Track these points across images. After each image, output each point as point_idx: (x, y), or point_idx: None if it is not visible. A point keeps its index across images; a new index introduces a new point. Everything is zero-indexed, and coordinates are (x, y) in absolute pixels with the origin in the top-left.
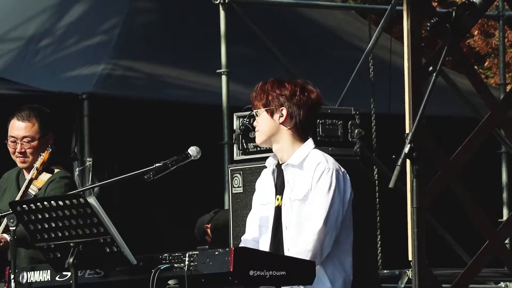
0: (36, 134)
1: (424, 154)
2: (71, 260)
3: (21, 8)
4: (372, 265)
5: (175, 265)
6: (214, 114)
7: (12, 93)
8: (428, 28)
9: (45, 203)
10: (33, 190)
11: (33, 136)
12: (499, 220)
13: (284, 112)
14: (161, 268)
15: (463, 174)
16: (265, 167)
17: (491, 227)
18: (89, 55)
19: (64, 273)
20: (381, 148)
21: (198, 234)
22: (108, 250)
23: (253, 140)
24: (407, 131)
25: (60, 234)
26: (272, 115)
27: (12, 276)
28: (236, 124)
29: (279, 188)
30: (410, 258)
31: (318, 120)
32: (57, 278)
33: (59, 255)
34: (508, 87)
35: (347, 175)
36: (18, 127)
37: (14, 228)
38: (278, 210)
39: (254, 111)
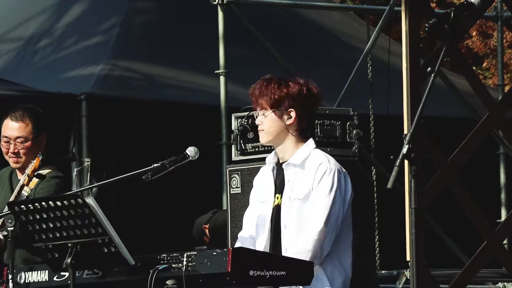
0: (29, 135)
1: (422, 155)
2: (69, 260)
3: (20, 9)
4: (370, 265)
5: (173, 265)
6: (212, 114)
7: (10, 93)
8: (426, 29)
9: (43, 203)
10: (26, 192)
11: (26, 137)
12: (498, 220)
13: (293, 114)
14: (159, 268)
15: (461, 174)
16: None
17: (489, 227)
18: (88, 56)
19: (62, 273)
20: (379, 148)
21: (196, 234)
22: (106, 250)
23: (251, 140)
24: (405, 131)
25: (58, 235)
26: (279, 116)
27: (10, 277)
28: (234, 124)
29: (279, 186)
30: (408, 258)
31: (316, 121)
32: (55, 279)
33: (57, 256)
34: (507, 88)
35: (348, 175)
36: (12, 127)
37: (12, 228)
38: (277, 209)
39: (260, 111)
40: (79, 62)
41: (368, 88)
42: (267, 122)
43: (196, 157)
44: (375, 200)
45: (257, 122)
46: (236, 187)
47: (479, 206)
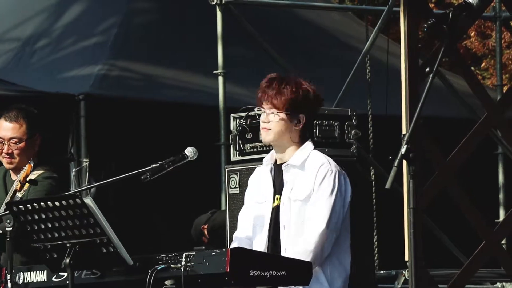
0: (23, 136)
1: (420, 155)
2: (67, 260)
3: (18, 9)
4: (369, 265)
5: (172, 265)
6: (210, 114)
7: (9, 93)
8: (425, 29)
9: (42, 203)
10: (20, 193)
11: (20, 138)
12: (496, 220)
13: (302, 119)
14: (158, 268)
15: (460, 175)
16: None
17: (488, 227)
18: (86, 56)
19: (61, 273)
20: (377, 149)
21: (194, 234)
22: (104, 250)
23: (249, 141)
24: (403, 132)
25: (56, 235)
26: (290, 119)
27: (8, 277)
28: (232, 125)
29: (278, 187)
30: (406, 258)
31: (315, 121)
32: (53, 279)
33: (55, 256)
34: (505, 88)
35: (347, 176)
36: (6, 128)
37: (10, 228)
38: (276, 210)
39: (270, 109)
40: (77, 62)
41: (367, 88)
42: (277, 123)
43: (195, 157)
44: (374, 201)
45: (263, 119)
46: (235, 187)
47: (477, 206)
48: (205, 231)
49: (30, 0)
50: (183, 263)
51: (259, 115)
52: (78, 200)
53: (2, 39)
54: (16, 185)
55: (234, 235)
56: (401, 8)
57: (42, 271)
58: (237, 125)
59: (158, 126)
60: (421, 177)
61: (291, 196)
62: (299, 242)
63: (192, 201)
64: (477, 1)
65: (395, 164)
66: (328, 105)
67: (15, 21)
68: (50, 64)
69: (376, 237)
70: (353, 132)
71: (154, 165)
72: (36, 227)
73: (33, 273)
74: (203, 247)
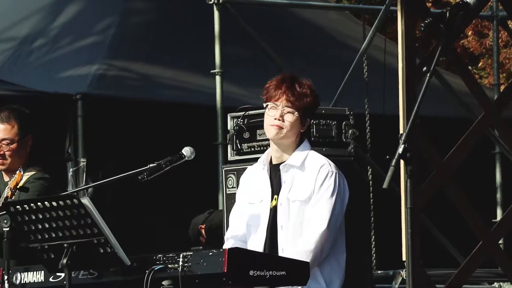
0: (15, 137)
1: (418, 155)
2: (64, 261)
3: (16, 8)
4: (366, 265)
5: (169, 265)
6: (208, 114)
7: (6, 93)
8: (422, 28)
9: (39, 203)
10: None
11: (12, 139)
12: (493, 220)
13: (307, 122)
14: (155, 268)
15: (457, 174)
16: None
17: (485, 227)
18: (83, 56)
19: (58, 274)
20: (375, 148)
21: (192, 234)
22: (102, 250)
23: (247, 140)
24: (401, 131)
25: (53, 235)
26: (300, 121)
27: (5, 277)
28: (230, 124)
29: (276, 187)
30: (404, 258)
31: (312, 121)
32: (50, 279)
33: (52, 256)
34: (502, 88)
35: (344, 177)
36: None
37: (7, 229)
38: (274, 210)
39: (286, 107)
40: (74, 62)
41: (364, 87)
42: (291, 122)
43: (192, 157)
44: (371, 200)
45: (275, 115)
46: (232, 187)
47: (474, 206)
48: (203, 231)
49: None
50: (180, 263)
51: (257, 114)
52: (75, 200)
53: None
54: (7, 192)
55: (227, 235)
56: (398, 7)
57: (39, 272)
58: (234, 125)
59: (155, 126)
60: (419, 176)
61: (290, 197)
62: (299, 243)
63: (190, 201)
64: (474, 0)
65: (393, 164)
66: (325, 105)
67: (12, 21)
68: (47, 63)
69: (373, 236)
70: (350, 131)
71: (151, 165)
72: (33, 227)
73: (30, 274)
74: (201, 247)
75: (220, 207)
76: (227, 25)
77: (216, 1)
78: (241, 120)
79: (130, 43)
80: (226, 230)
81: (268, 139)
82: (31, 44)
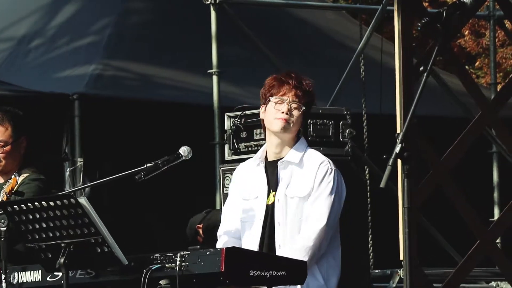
0: (9, 139)
1: (415, 154)
2: (62, 260)
3: (13, 8)
4: (364, 264)
5: (167, 265)
6: (205, 114)
7: (3, 93)
8: (419, 28)
9: (36, 203)
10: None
11: (6, 141)
12: (490, 219)
13: (302, 117)
14: (153, 268)
15: (454, 173)
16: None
17: (483, 226)
18: (81, 56)
19: (55, 273)
20: (372, 148)
21: (189, 234)
22: (99, 250)
23: (244, 140)
24: (398, 131)
25: (51, 235)
26: (303, 115)
27: (3, 277)
28: (227, 124)
29: (273, 184)
30: (401, 257)
31: (309, 120)
32: (48, 279)
33: (50, 256)
34: (499, 87)
35: (341, 175)
36: None
37: (5, 228)
38: (271, 207)
39: (294, 102)
40: (71, 62)
41: (361, 87)
42: (297, 117)
43: (189, 156)
44: (369, 200)
45: (283, 108)
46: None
47: (472, 205)
48: (200, 231)
49: None
50: (178, 262)
51: (254, 114)
52: (72, 200)
53: None
54: (2, 197)
55: (221, 231)
56: (395, 7)
57: (37, 271)
58: (231, 124)
59: (152, 126)
60: (416, 176)
61: (288, 193)
62: (298, 239)
63: (187, 200)
64: (471, 0)
65: (390, 163)
66: (322, 104)
67: (9, 21)
68: (45, 63)
69: (371, 236)
70: (347, 131)
71: (148, 165)
72: (30, 227)
73: (27, 273)
74: (198, 246)
75: (218, 207)
76: (224, 25)
77: (213, 1)
78: (238, 120)
79: (127, 43)
80: None
81: (265, 139)
82: (28, 44)
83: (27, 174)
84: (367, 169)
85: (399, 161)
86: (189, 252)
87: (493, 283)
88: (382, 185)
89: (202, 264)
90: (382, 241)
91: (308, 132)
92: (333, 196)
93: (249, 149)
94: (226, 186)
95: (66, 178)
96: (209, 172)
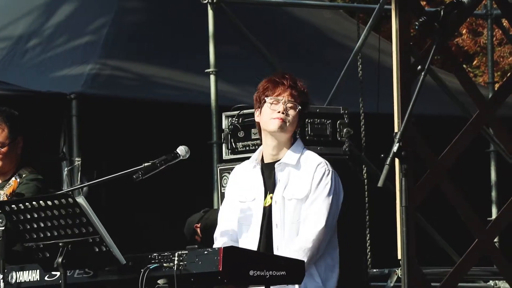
0: (5, 140)
1: (413, 153)
2: (60, 260)
3: (9, 8)
4: (362, 264)
5: (164, 264)
6: (202, 113)
7: (0, 93)
8: (416, 27)
9: (34, 202)
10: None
11: (2, 142)
12: (488, 218)
13: (301, 122)
14: (150, 267)
15: (452, 173)
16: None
17: (480, 225)
18: (78, 55)
19: (53, 272)
20: (370, 147)
21: (187, 233)
22: (97, 249)
23: (242, 139)
24: (395, 130)
25: (49, 234)
26: (299, 115)
27: (1, 276)
28: (224, 123)
29: (270, 186)
30: (399, 257)
31: (307, 120)
32: (46, 278)
33: (48, 255)
34: (497, 86)
35: (338, 176)
36: None
37: (2, 228)
38: (268, 209)
39: (290, 102)
40: (69, 61)
41: (359, 86)
42: (293, 116)
43: (187, 156)
44: (366, 199)
45: (279, 108)
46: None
47: (470, 204)
48: (198, 230)
49: None
50: (175, 262)
51: (252, 113)
52: (70, 199)
53: None
54: (2, 198)
55: (216, 234)
56: (393, 6)
57: (35, 271)
58: (229, 124)
59: (150, 125)
60: (414, 175)
61: (286, 195)
62: (295, 241)
63: (185, 200)
64: None
65: (387, 162)
66: (320, 104)
67: (6, 20)
68: (42, 63)
69: (368, 235)
70: (345, 130)
71: (146, 164)
72: (28, 227)
73: (25, 273)
74: (196, 246)
75: (215, 206)
76: (221, 24)
77: (210, 0)
78: (236, 119)
79: (124, 43)
80: None
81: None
82: (25, 44)
83: (25, 174)
84: (365, 168)
85: (396, 160)
86: (187, 252)
87: (491, 282)
88: (379, 184)
89: (200, 263)
90: (380, 240)
91: (305, 131)
92: (331, 197)
93: (247, 148)
94: (224, 185)
95: (64, 177)
96: (206, 171)
